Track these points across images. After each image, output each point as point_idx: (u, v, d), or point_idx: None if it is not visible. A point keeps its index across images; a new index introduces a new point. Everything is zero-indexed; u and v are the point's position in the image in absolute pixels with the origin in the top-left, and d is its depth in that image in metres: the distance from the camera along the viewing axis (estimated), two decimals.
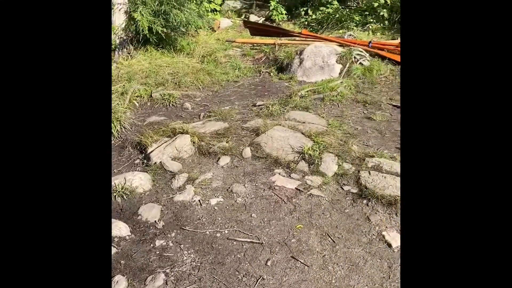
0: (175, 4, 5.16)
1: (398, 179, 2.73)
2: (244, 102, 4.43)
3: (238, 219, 2.50)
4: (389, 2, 7.27)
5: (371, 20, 7.31)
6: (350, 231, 2.39)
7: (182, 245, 2.30)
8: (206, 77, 5.03)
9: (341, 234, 2.37)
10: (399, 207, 2.52)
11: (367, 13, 7.57)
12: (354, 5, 8.37)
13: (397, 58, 5.36)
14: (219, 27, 7.50)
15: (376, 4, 7.34)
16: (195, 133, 3.39)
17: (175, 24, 5.19)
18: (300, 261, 2.15)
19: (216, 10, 7.62)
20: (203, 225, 2.46)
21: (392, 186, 2.66)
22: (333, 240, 2.31)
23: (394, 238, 2.31)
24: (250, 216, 2.53)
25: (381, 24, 7.17)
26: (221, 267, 2.13)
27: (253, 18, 8.85)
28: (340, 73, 5.15)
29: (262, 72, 5.51)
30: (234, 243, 2.31)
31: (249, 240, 2.32)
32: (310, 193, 2.73)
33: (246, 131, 3.58)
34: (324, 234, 2.37)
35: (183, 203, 2.66)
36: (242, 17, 9.07)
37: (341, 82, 4.78)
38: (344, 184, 2.82)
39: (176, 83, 4.76)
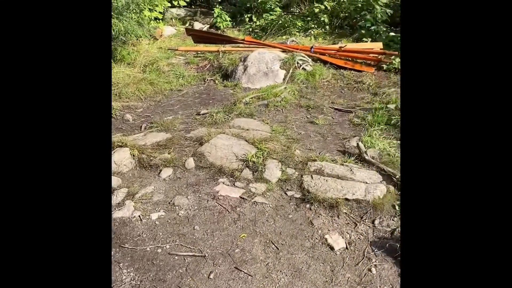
0: (112, 13, 5.00)
1: (339, 181, 2.78)
2: (188, 111, 4.35)
3: (180, 233, 2.43)
4: (329, 7, 7.49)
5: (313, 26, 7.47)
6: (293, 237, 2.39)
7: (121, 264, 2.20)
8: (148, 87, 4.91)
9: (285, 240, 2.36)
10: (340, 210, 2.56)
11: (309, 18, 7.73)
12: (297, 11, 8.54)
13: (338, 62, 5.51)
14: (161, 35, 7.36)
15: (317, 10, 7.53)
16: (135, 145, 3.28)
17: (113, 33, 5.03)
18: (243, 271, 2.12)
19: (159, 18, 7.47)
20: (144, 241, 2.37)
21: (333, 189, 2.70)
22: (276, 247, 2.30)
23: (336, 240, 2.33)
24: (193, 228, 2.47)
25: (323, 29, 7.35)
26: (162, 284, 2.05)
27: (197, 25, 8.78)
28: (284, 79, 5.21)
29: (207, 80, 5.46)
30: (176, 258, 2.23)
31: (191, 253, 2.26)
32: (254, 201, 2.71)
33: (190, 141, 3.51)
34: (268, 241, 2.35)
35: (122, 220, 2.55)
36: (187, 24, 8.98)
37: (285, 87, 4.83)
38: (287, 189, 2.83)
39: (116, 94, 4.61)
